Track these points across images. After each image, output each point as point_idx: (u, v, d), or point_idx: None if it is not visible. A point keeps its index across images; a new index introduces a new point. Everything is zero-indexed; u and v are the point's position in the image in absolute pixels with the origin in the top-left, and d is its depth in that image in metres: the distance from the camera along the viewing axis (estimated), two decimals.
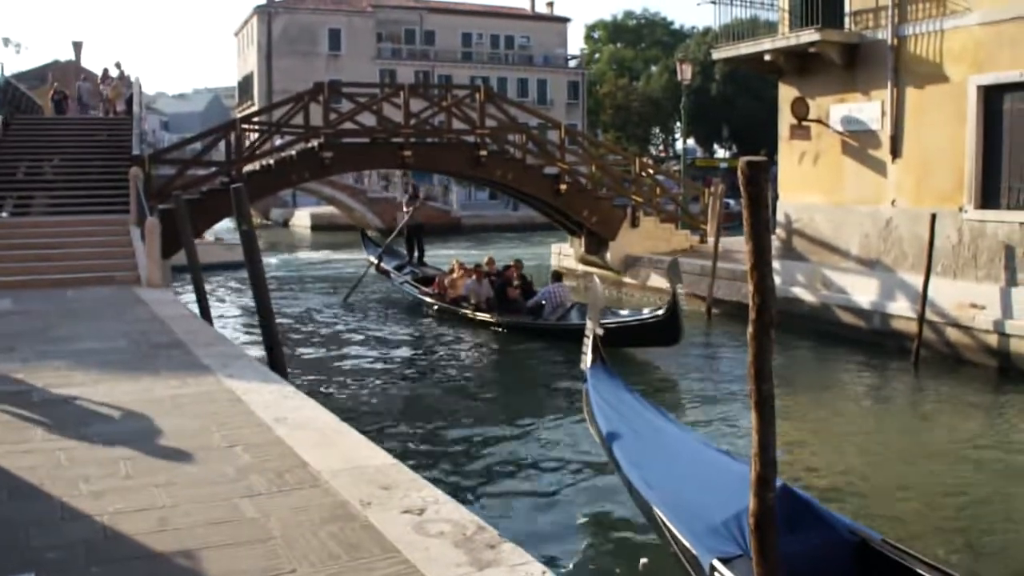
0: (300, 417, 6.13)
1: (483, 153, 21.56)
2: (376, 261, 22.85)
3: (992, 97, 13.66)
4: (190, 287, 14.44)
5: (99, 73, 28.15)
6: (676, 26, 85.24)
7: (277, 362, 9.61)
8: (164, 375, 7.56)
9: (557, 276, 17.79)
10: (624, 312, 15.58)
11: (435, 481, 7.74)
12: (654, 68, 77.54)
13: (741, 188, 3.88)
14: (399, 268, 22.74)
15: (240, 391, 6.92)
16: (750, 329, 4.06)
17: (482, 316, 17.39)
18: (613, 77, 76.55)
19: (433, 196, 25.74)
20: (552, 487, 8.79)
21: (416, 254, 23.91)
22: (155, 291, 13.47)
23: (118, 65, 26.29)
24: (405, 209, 24.10)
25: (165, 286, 14.55)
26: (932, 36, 14.44)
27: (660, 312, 13.78)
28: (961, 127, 13.94)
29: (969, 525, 7.84)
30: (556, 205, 22.67)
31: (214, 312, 15.75)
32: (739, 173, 3.86)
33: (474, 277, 18.14)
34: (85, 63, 36.32)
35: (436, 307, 19.22)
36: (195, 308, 12.88)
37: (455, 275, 19.33)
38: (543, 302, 16.50)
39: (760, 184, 3.86)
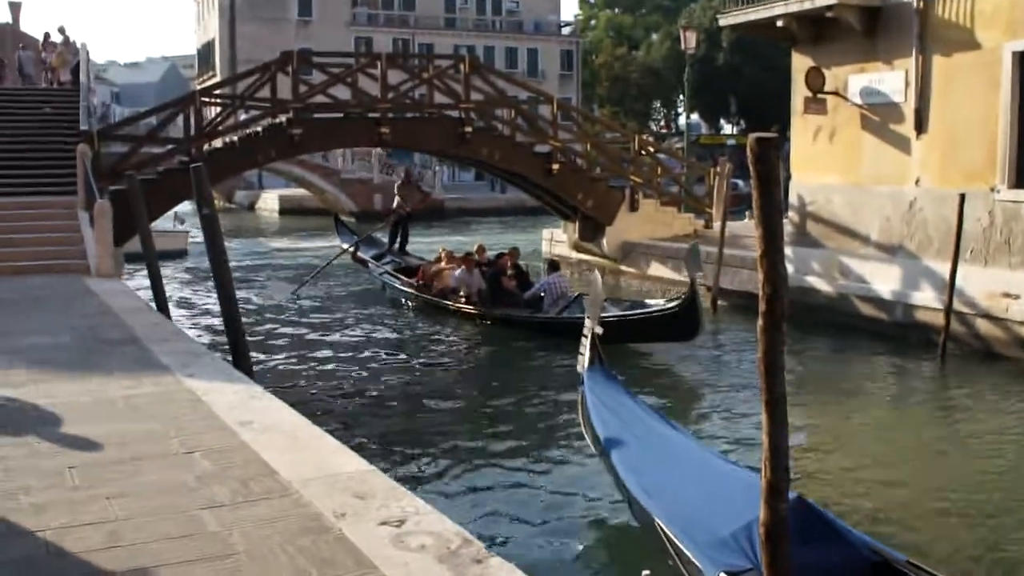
0: (267, 420, 6.11)
1: (468, 129, 21.51)
2: (351, 249, 22.45)
3: None
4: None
5: (40, 39, 27.93)
6: None
7: (242, 359, 9.59)
8: (116, 374, 7.52)
9: (554, 265, 17.59)
10: (635, 304, 15.51)
11: (416, 490, 7.77)
12: (655, 36, 77.41)
13: (750, 167, 3.88)
14: (378, 258, 22.45)
15: (201, 391, 6.89)
16: (760, 322, 4.05)
17: (473, 309, 17.23)
18: (610, 46, 76.43)
19: (418, 179, 25.35)
20: (543, 496, 8.79)
21: (399, 242, 23.53)
22: (106, 281, 13.40)
23: (62, 30, 26.09)
24: (398, 196, 23.61)
25: (117, 276, 14.49)
26: None
27: (676, 303, 13.63)
28: (994, 98, 13.96)
29: (1005, 544, 7.81)
30: (547, 187, 22.65)
31: (172, 304, 15.73)
32: (748, 151, 3.85)
33: (463, 267, 17.96)
34: (24, 27, 35.91)
35: (420, 300, 19.00)
36: (151, 300, 12.84)
37: (442, 265, 19.10)
38: (542, 294, 16.44)
39: (771, 163, 3.85)
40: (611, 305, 15.01)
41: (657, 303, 14.67)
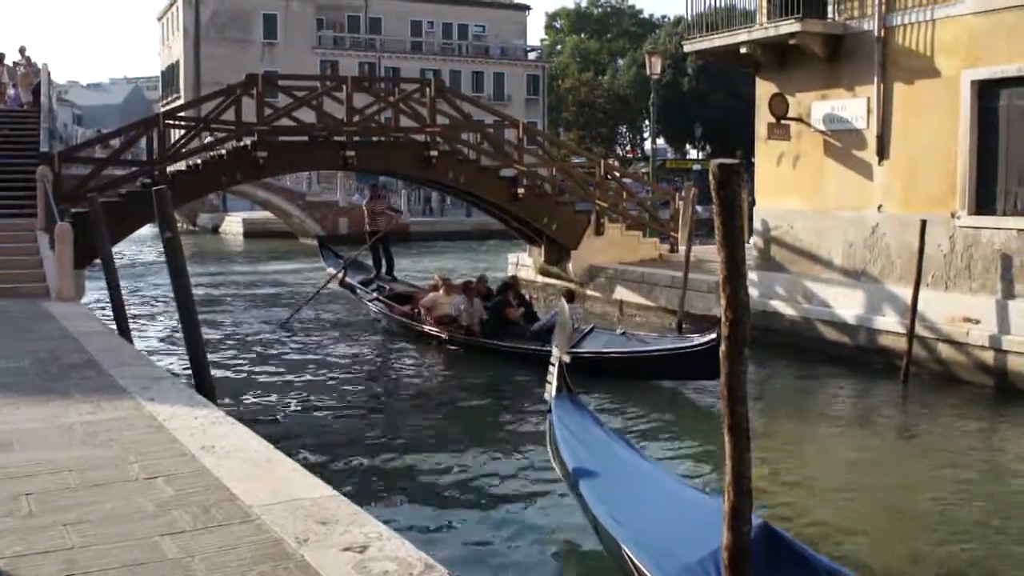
0: (229, 445, 6.05)
1: (433, 153, 21.55)
2: (339, 275, 21.48)
3: (987, 93, 13.89)
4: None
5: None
6: (645, 15, 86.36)
7: (205, 384, 9.50)
8: (75, 399, 7.44)
9: (570, 295, 16.01)
10: (659, 338, 15.02)
11: (382, 515, 7.73)
12: (621, 61, 78.23)
13: (712, 193, 3.92)
14: (365, 283, 21.46)
15: (162, 416, 6.83)
16: (722, 347, 4.09)
17: (473, 341, 16.46)
18: (576, 71, 77.07)
19: (384, 197, 24.63)
20: (510, 524, 8.76)
21: (384, 266, 22.57)
22: (66, 305, 13.26)
23: (22, 50, 25.86)
24: (367, 213, 22.62)
25: (77, 299, 14.35)
26: (922, 27, 14.68)
27: (710, 339, 12.74)
28: (954, 126, 14.17)
29: (966, 566, 7.90)
30: (513, 210, 22.71)
31: (134, 328, 15.59)
32: (710, 177, 3.90)
33: (463, 295, 17.17)
34: None
35: (414, 329, 18.12)
36: (112, 323, 12.72)
37: (439, 293, 18.05)
38: (551, 327, 15.63)
39: (733, 188, 3.89)
40: (635, 340, 14.69)
41: (686, 338, 13.96)
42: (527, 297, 17.67)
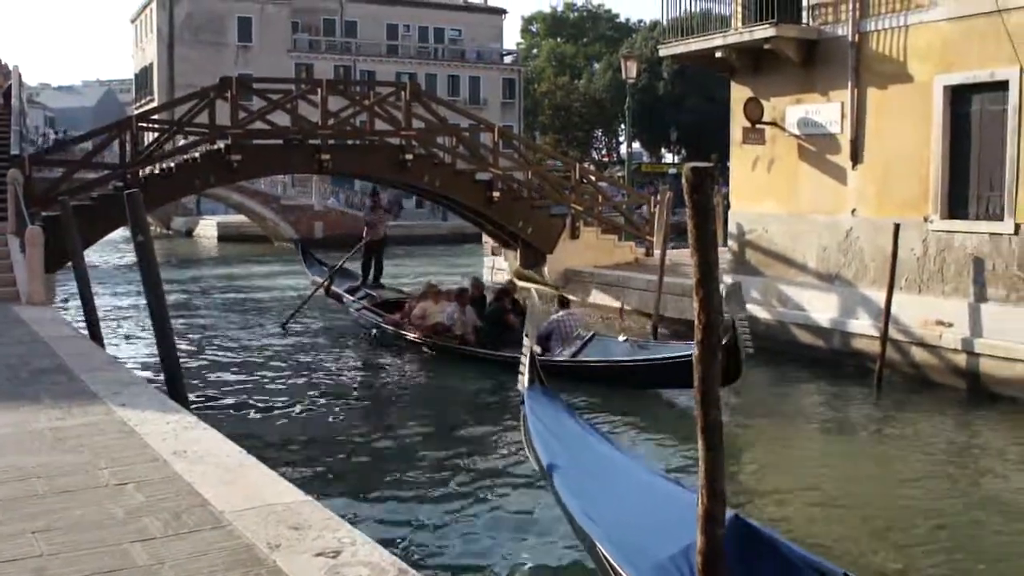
0: (201, 450, 6.02)
1: (409, 157, 21.53)
2: (325, 283, 20.93)
3: (960, 98, 13.98)
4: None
5: None
6: (621, 19, 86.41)
7: (177, 389, 9.45)
8: (45, 404, 7.38)
9: (564, 302, 16.23)
10: (663, 345, 14.62)
11: (356, 520, 7.71)
12: (597, 65, 78.39)
13: (686, 196, 3.93)
14: (351, 291, 20.94)
15: (134, 422, 6.79)
16: (695, 351, 4.10)
17: (471, 351, 15.84)
18: (552, 75, 77.21)
19: (388, 205, 23.96)
20: (485, 521, 8.77)
21: (373, 274, 22.02)
22: (36, 309, 13.16)
23: None
24: (367, 221, 22.28)
25: (48, 303, 14.24)
26: (896, 32, 14.77)
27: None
28: (927, 131, 14.26)
29: (938, 560, 7.99)
30: (488, 214, 22.72)
31: (106, 333, 15.46)
32: (683, 180, 3.91)
33: (456, 303, 16.71)
34: None
35: (404, 338, 17.46)
36: (84, 328, 12.62)
37: (429, 301, 17.58)
38: (549, 335, 14.98)
39: (706, 192, 3.90)
40: (640, 348, 14.38)
41: (692, 345, 13.69)
42: (522, 303, 17.07)
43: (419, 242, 46.88)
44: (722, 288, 13.16)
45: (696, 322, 4.09)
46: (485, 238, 27.76)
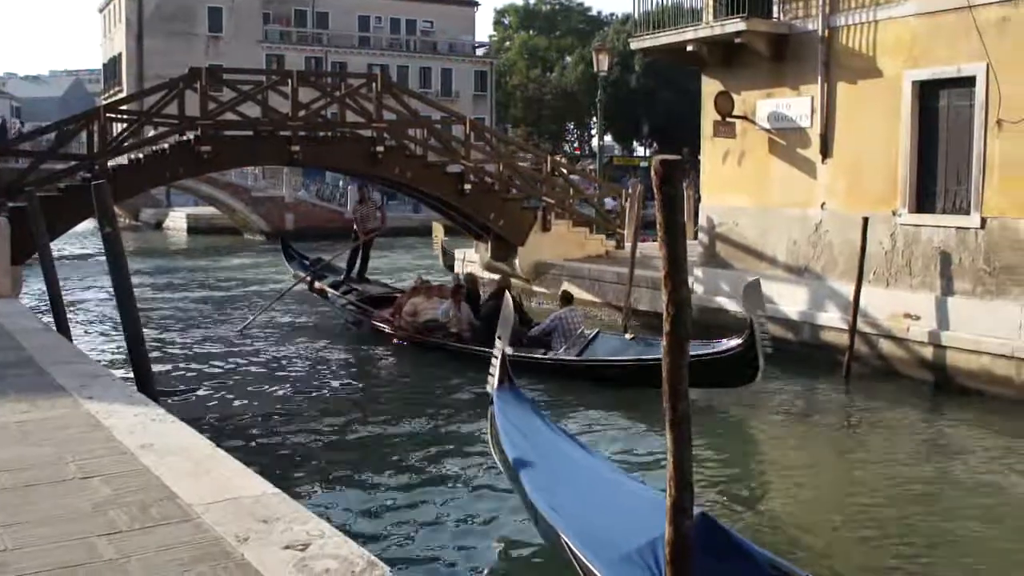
0: (170, 443, 5.97)
1: (380, 149, 21.44)
2: (307, 278, 20.63)
3: (928, 93, 14.12)
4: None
5: None
6: (594, 13, 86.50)
7: (145, 382, 9.38)
8: (10, 398, 7.29)
9: (567, 298, 15.71)
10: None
11: (326, 513, 7.69)
12: (569, 58, 78.43)
13: (654, 189, 3.94)
14: (335, 286, 20.48)
15: (101, 415, 6.72)
16: (664, 343, 4.11)
17: (468, 349, 15.29)
18: (524, 67, 77.20)
19: (374, 200, 23.26)
20: (452, 518, 8.80)
21: (359, 268, 21.38)
22: (2, 301, 13.00)
23: None
24: (355, 215, 21.65)
25: (14, 295, 14.09)
26: (865, 27, 14.88)
27: (735, 344, 12.23)
28: (895, 125, 14.38)
29: (903, 557, 8.06)
30: (460, 206, 22.68)
31: (74, 325, 15.32)
32: (652, 173, 3.91)
33: (451, 300, 16.39)
34: None
35: (395, 336, 17.11)
36: (51, 320, 12.50)
37: (421, 298, 17.28)
38: (551, 332, 14.84)
39: (676, 185, 3.91)
40: (644, 345, 13.93)
41: (713, 344, 12.75)
42: (519, 299, 16.83)
43: (391, 234, 46.69)
44: (740, 286, 13.36)
45: (664, 314, 4.10)
46: (435, 229, 27.69)
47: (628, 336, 14.79)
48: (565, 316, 14.98)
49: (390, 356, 16.87)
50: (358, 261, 21.31)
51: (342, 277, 21.11)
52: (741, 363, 12.15)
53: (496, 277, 22.79)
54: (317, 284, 20.58)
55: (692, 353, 12.27)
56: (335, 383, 15.35)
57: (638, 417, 12.35)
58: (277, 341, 18.28)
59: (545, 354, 14.56)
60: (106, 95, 64.03)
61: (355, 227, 21.30)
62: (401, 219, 50.22)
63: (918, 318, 13.95)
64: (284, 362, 16.46)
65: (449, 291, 16.98)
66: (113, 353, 16.16)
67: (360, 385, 15.40)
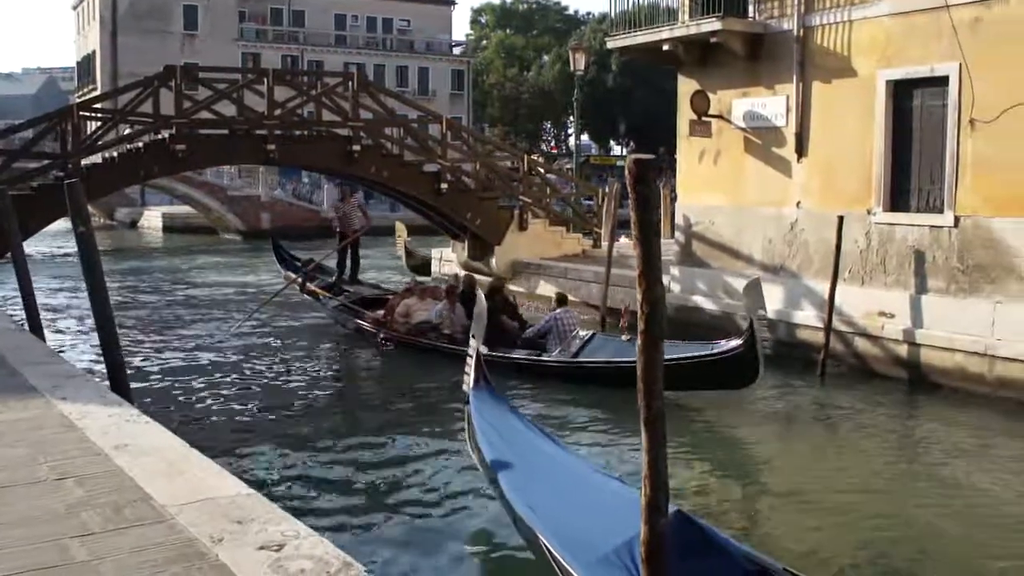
0: (144, 444, 5.93)
1: (356, 148, 21.40)
2: (299, 280, 20.25)
3: (902, 93, 14.21)
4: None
5: None
6: (571, 12, 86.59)
7: (120, 382, 9.31)
8: None
9: (561, 299, 15.44)
10: (672, 345, 13.68)
11: (302, 513, 7.66)
12: (546, 57, 78.43)
13: (629, 188, 3.95)
14: (327, 288, 20.14)
15: (74, 415, 6.67)
16: (639, 341, 4.12)
17: (460, 351, 14.07)
18: (501, 66, 77.19)
19: (359, 200, 22.83)
20: (432, 518, 8.79)
21: (351, 269, 21.14)
22: None
23: None
24: (337, 214, 21.19)
25: None
26: (840, 27, 14.96)
27: (734, 345, 12.08)
28: (869, 125, 14.47)
29: (878, 551, 8.12)
30: (436, 206, 22.67)
31: (48, 325, 15.19)
32: (626, 172, 3.93)
33: (445, 301, 16.03)
34: None
35: (387, 339, 16.68)
36: (24, 321, 12.40)
37: (414, 297, 17.07)
38: (546, 334, 14.61)
39: (649, 184, 3.92)
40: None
41: (712, 345, 12.68)
42: (513, 301, 16.73)
43: (367, 233, 46.56)
44: (741, 286, 13.32)
45: (639, 312, 4.12)
46: (398, 229, 27.44)
47: (625, 337, 14.38)
48: (560, 317, 14.72)
49: (380, 358, 16.63)
50: (348, 261, 21.01)
51: (334, 278, 20.77)
52: (742, 364, 11.97)
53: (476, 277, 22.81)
54: (308, 286, 20.22)
55: (692, 355, 12.45)
56: (320, 384, 15.20)
57: (633, 420, 12.17)
58: (265, 343, 18.08)
59: (540, 356, 14.36)
60: (80, 93, 63.59)
61: (336, 226, 20.95)
62: (378, 218, 49.90)
63: (893, 316, 14.05)
64: (269, 364, 16.30)
65: (443, 292, 16.70)
66: (87, 354, 16.04)
67: (346, 386, 15.28)
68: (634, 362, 12.58)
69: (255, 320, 19.67)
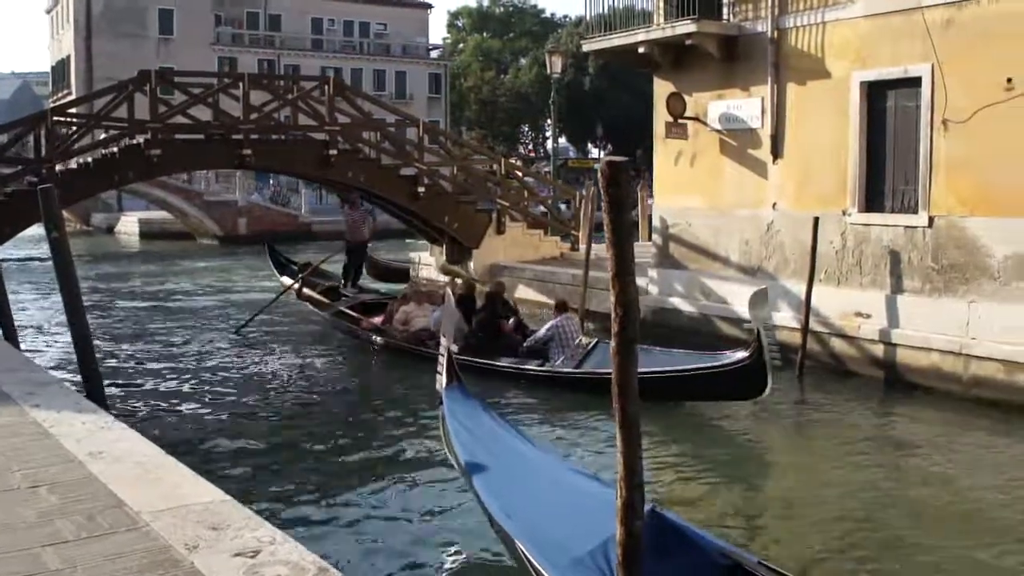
0: (118, 450, 5.90)
1: (332, 152, 21.34)
2: (295, 285, 20.11)
3: (876, 94, 14.28)
4: None
5: None
6: (547, 15, 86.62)
7: (94, 389, 9.25)
8: None
9: (562, 306, 14.95)
10: (678, 354, 13.27)
11: (278, 519, 7.65)
12: (523, 60, 78.52)
13: (602, 190, 3.96)
14: (326, 292, 20.07)
15: (48, 423, 6.62)
16: (612, 343, 4.13)
17: (464, 360, 13.21)
18: (479, 69, 77.21)
19: (367, 208, 23.30)
20: (409, 522, 8.78)
21: (352, 276, 21.36)
22: None
23: None
24: (346, 221, 21.67)
25: None
26: (814, 29, 15.03)
27: (743, 356, 11.81)
28: (844, 126, 14.54)
29: (851, 545, 8.19)
30: (414, 209, 22.65)
31: (23, 333, 15.06)
32: (599, 174, 3.93)
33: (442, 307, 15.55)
34: None
35: (387, 345, 16.46)
36: None
37: (413, 303, 16.76)
38: (548, 342, 14.28)
39: (622, 185, 3.93)
40: (662, 354, 13.15)
41: (719, 356, 12.47)
42: (515, 307, 16.43)
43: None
44: (747, 294, 13.24)
45: (613, 314, 4.12)
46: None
47: None
48: (562, 325, 14.38)
49: (377, 365, 16.44)
50: (352, 272, 21.26)
51: (339, 284, 20.80)
52: (749, 375, 11.73)
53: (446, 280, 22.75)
54: (305, 291, 20.09)
55: (699, 366, 12.43)
56: (310, 390, 14.95)
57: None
58: (256, 348, 17.84)
59: (542, 365, 14.04)
60: (54, 98, 63.17)
61: (347, 235, 21.48)
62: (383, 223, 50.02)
63: (869, 316, 14.13)
64: (258, 370, 16.12)
65: (441, 297, 15.94)
66: (62, 361, 15.93)
67: (337, 393, 15.01)
68: (647, 373, 12.46)
69: (255, 325, 19.39)
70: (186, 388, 14.80)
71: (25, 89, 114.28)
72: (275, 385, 15.20)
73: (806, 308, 14.46)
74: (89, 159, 20.92)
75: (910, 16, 13.56)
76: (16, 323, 12.90)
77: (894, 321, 13.82)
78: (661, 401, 11.87)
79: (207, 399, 14.08)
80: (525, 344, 14.66)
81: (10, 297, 12.87)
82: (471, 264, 22.75)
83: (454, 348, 8.77)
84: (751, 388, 11.86)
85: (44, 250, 28.56)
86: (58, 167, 19.74)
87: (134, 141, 20.45)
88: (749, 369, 11.69)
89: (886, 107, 14.20)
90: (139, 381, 15.26)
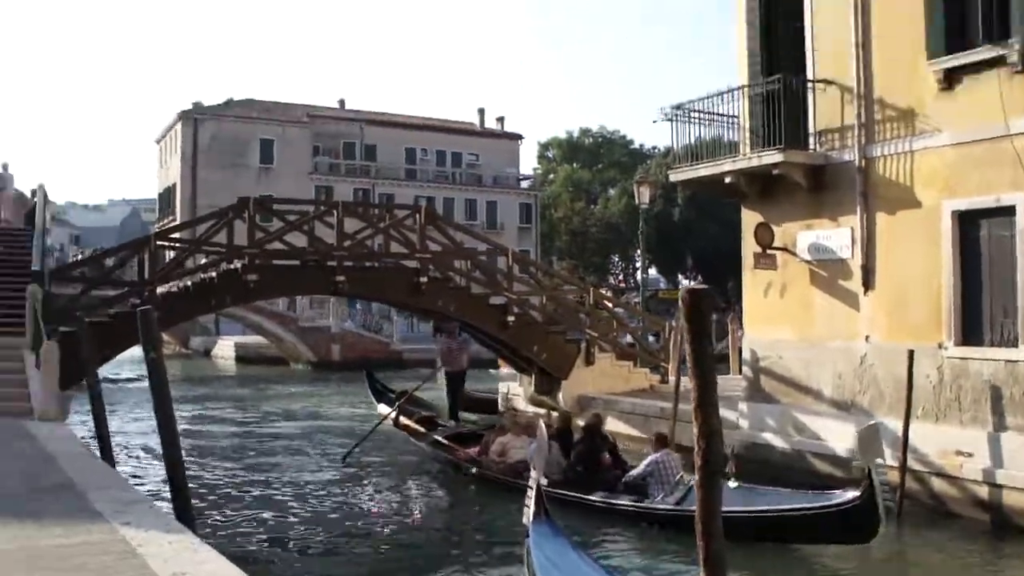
0: (203, 572, 5.95)
1: (423, 280, 21.64)
2: (393, 414, 20.46)
3: (968, 223, 14.02)
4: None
5: None
6: (636, 146, 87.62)
7: (184, 509, 9.38)
8: (47, 522, 7.33)
9: (662, 440, 14.62)
10: (784, 493, 12.85)
11: None
12: (612, 191, 79.39)
13: (683, 319, 3.96)
14: (424, 422, 20.27)
15: (136, 542, 6.72)
16: (697, 476, 4.08)
17: (558, 493, 13.59)
18: (568, 200, 78.22)
19: (463, 339, 23.57)
20: None
21: (450, 406, 21.67)
22: (49, 425, 13.16)
23: (5, 167, 25.61)
24: (442, 349, 22.28)
25: (62, 419, 14.24)
26: (902, 157, 14.90)
27: (852, 495, 11.29)
28: (936, 256, 14.28)
29: None
30: (503, 338, 22.72)
31: (120, 451, 15.36)
32: (680, 303, 3.94)
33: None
34: None
35: (479, 476, 16.39)
36: (95, 446, 12.60)
37: (509, 434, 16.67)
38: (647, 477, 13.91)
39: (704, 315, 3.93)
40: (754, 495, 12.77)
41: (828, 495, 11.98)
42: (612, 440, 16.22)
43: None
44: (840, 430, 12.85)
45: (695, 447, 4.07)
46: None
47: (732, 484, 12.92)
48: (662, 460, 13.96)
49: (473, 496, 16.26)
50: (455, 404, 21.58)
51: (434, 415, 21.22)
52: (861, 517, 11.19)
53: (542, 411, 22.58)
54: (402, 419, 20.31)
55: (805, 506, 12.00)
56: (403, 521, 14.86)
57: None
58: (351, 476, 17.89)
59: (640, 502, 13.67)
60: (160, 223, 65.65)
61: (440, 364, 21.99)
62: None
63: (971, 455, 13.60)
64: (352, 498, 16.13)
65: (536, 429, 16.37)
66: (155, 480, 16.17)
67: (431, 525, 14.84)
68: (751, 512, 11.95)
69: (349, 452, 19.35)
70: (277, 512, 14.87)
71: (134, 215, 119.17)
72: (369, 515, 15.15)
73: (904, 446, 13.98)
74: (189, 283, 21.57)
75: (997, 144, 13.40)
76: (112, 442, 13.25)
77: (998, 460, 13.28)
78: (755, 542, 11.46)
79: (297, 525, 14.11)
80: (624, 479, 14.33)
81: (108, 416, 13.24)
82: (560, 395, 22.63)
83: (543, 481, 8.64)
84: (862, 530, 11.31)
85: (141, 370, 29.29)
86: (159, 290, 20.38)
87: (232, 266, 21.05)
88: (860, 510, 11.15)
89: (980, 236, 13.91)
90: (230, 504, 15.38)
